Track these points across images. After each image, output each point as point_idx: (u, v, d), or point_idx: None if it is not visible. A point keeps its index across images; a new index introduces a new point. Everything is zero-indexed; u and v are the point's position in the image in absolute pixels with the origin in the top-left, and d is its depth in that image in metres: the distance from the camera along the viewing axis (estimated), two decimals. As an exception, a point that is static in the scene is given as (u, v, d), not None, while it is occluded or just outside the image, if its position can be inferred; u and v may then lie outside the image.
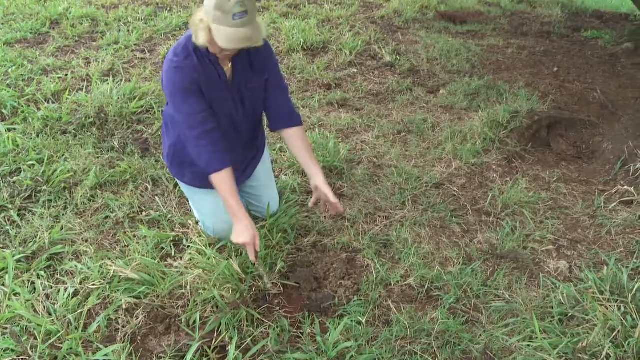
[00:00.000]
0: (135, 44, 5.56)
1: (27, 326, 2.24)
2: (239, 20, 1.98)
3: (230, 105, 2.34)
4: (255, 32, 2.05)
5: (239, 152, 2.56)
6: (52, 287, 2.45)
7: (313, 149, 3.44)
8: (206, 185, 2.46)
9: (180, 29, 6.15)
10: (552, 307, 2.41)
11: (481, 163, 3.70)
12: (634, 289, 2.35)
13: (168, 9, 6.89)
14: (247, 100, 2.41)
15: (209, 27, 2.04)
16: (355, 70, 5.36)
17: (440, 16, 7.94)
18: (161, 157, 3.47)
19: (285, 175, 3.39)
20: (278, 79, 2.50)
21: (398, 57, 5.69)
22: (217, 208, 2.56)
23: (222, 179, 2.25)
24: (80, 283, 2.47)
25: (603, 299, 2.35)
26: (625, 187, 3.35)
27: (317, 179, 2.47)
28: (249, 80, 2.37)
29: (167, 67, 2.18)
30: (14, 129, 3.65)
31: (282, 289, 2.49)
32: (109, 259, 2.59)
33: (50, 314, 2.29)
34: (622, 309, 2.28)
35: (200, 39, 2.08)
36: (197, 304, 2.35)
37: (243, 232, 2.24)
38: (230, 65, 2.30)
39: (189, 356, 2.10)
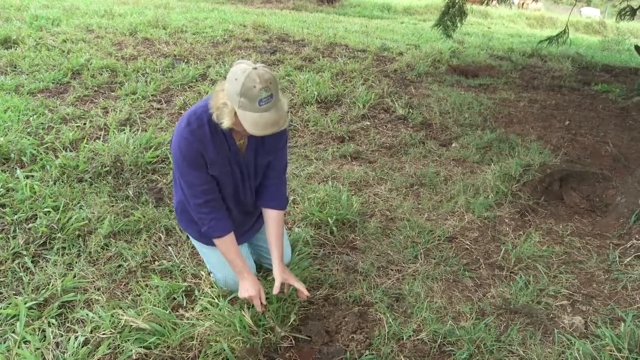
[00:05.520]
0: (152, 95, 5.69)
1: (36, 376, 2.23)
2: (265, 105, 1.97)
3: (237, 176, 2.38)
4: (282, 115, 2.03)
5: (241, 218, 2.59)
6: (62, 336, 2.44)
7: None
8: (213, 243, 2.50)
9: (196, 81, 6.29)
10: (568, 365, 2.36)
11: (494, 216, 3.69)
12: (653, 348, 2.30)
13: (185, 60, 7.07)
14: (253, 174, 2.45)
15: (233, 111, 2.02)
16: (368, 123, 5.43)
17: (452, 70, 8.09)
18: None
19: (297, 227, 3.40)
20: (282, 159, 2.52)
21: (410, 111, 5.77)
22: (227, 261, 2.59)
23: (225, 242, 2.38)
24: (91, 332, 2.45)
25: (621, 357, 2.30)
26: (641, 241, 3.32)
27: (276, 268, 2.49)
28: (259, 157, 2.40)
29: (178, 135, 2.18)
30: (32, 176, 3.70)
31: (293, 342, 2.47)
32: (121, 308, 2.58)
33: (59, 364, 2.28)
34: (641, 368, 2.23)
35: (225, 124, 2.05)
36: (207, 356, 2.33)
37: (249, 287, 2.40)
38: (243, 141, 2.32)
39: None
